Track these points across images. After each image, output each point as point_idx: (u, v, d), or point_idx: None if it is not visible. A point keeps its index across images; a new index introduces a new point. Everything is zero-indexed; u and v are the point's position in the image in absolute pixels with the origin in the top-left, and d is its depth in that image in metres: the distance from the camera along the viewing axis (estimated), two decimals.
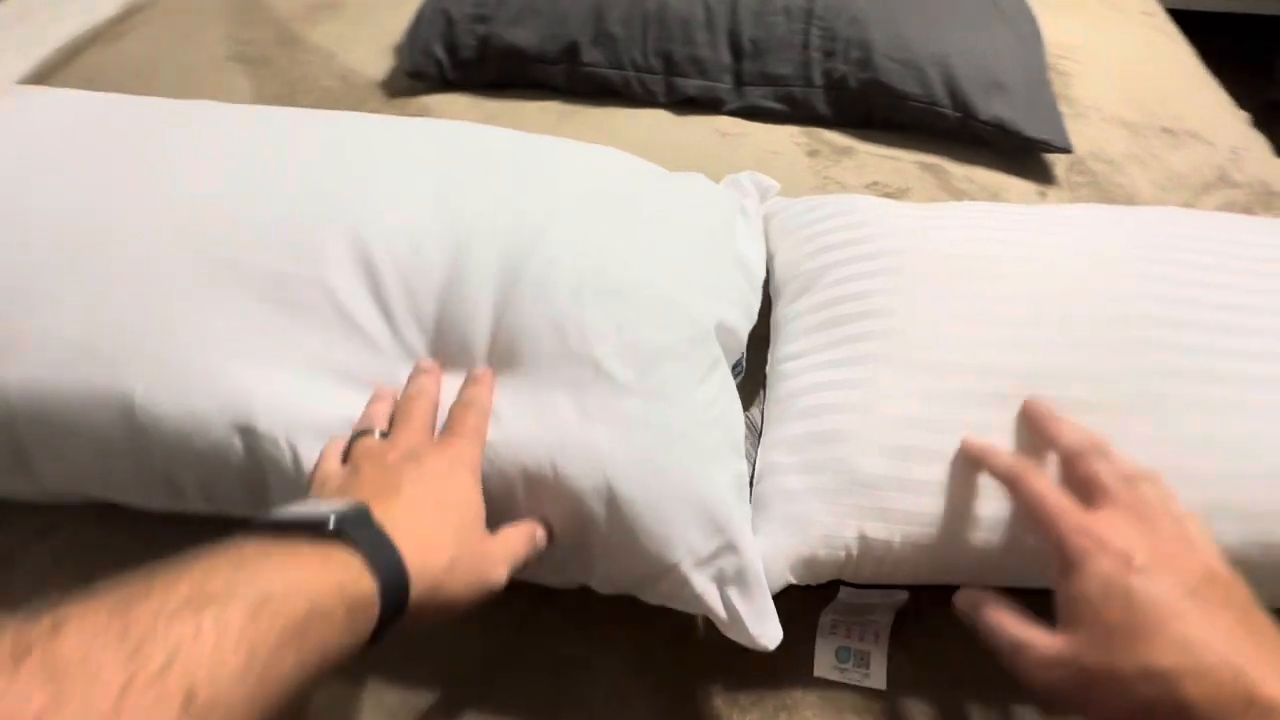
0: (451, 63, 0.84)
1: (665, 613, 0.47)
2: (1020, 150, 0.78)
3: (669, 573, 0.39)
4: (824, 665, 0.45)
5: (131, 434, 0.42)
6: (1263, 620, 0.30)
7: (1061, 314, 0.46)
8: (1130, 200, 0.77)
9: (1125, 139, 0.84)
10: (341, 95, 0.87)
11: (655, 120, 0.84)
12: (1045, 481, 0.36)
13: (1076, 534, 0.33)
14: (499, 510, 0.39)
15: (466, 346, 0.44)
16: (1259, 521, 0.40)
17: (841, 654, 0.45)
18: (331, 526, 0.29)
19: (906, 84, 0.77)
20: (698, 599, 0.39)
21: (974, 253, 0.51)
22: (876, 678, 0.44)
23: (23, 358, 0.43)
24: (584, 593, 0.46)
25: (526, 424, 0.40)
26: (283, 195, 0.48)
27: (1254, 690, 0.27)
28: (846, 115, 0.81)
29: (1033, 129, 0.75)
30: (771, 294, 0.56)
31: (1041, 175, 0.78)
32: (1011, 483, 0.38)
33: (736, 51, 0.82)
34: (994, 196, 0.75)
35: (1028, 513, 0.36)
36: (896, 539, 0.41)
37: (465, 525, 0.35)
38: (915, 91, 0.77)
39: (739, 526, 0.40)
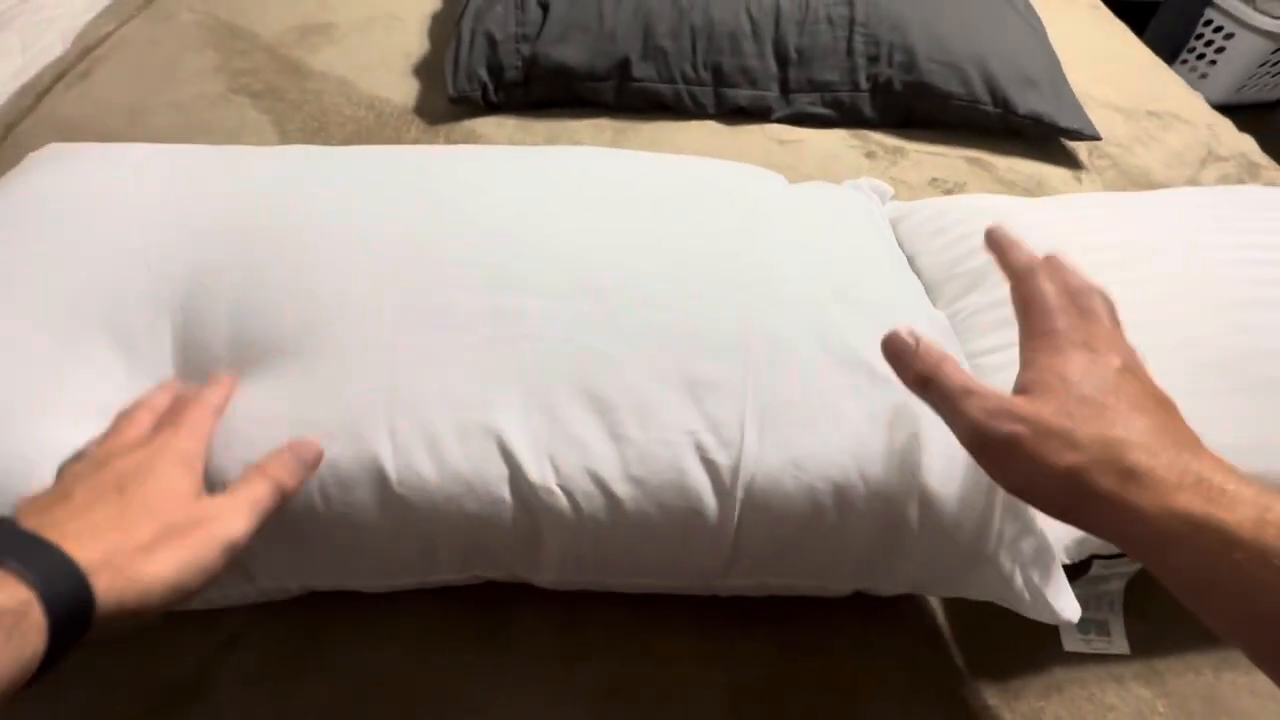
0: (495, 85, 0.81)
1: (912, 615, 0.48)
2: (1049, 140, 0.85)
3: (982, 563, 0.40)
4: (1071, 640, 0.48)
5: (385, 509, 0.38)
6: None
7: (1221, 284, 0.51)
8: (1147, 178, 0.85)
9: (1123, 123, 0.92)
10: (375, 126, 0.82)
11: (709, 132, 0.84)
12: (1052, 284, 0.36)
13: (1074, 329, 0.34)
14: (812, 529, 0.39)
15: (716, 351, 0.42)
16: None
17: (1083, 626, 0.48)
18: None
19: (950, 84, 0.82)
20: (1005, 583, 0.40)
21: (1110, 241, 0.55)
22: (1119, 644, 0.47)
23: (241, 443, 0.38)
24: (837, 608, 0.46)
25: (823, 436, 0.40)
26: (477, 233, 0.45)
27: (1201, 472, 0.28)
28: (890, 117, 0.85)
29: (1065, 120, 0.82)
30: None
31: (1071, 162, 0.85)
32: (1024, 276, 0.37)
33: (782, 60, 0.84)
34: (1040, 185, 0.81)
35: (1028, 303, 0.36)
36: None
37: (161, 500, 0.31)
38: (958, 91, 0.82)
39: (1028, 507, 0.41)
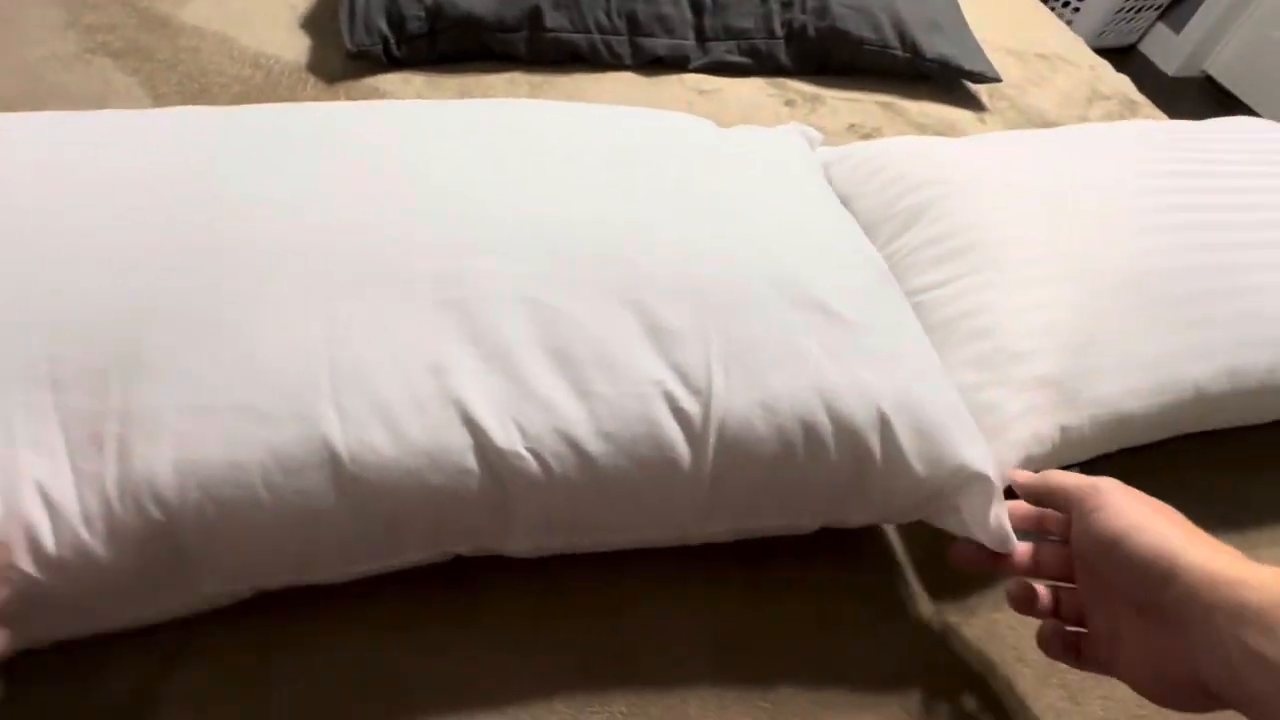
0: (398, 38, 0.76)
1: (873, 550, 0.50)
2: (953, 84, 0.88)
3: (940, 489, 0.41)
4: None
5: (340, 492, 0.35)
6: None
7: (1130, 213, 0.54)
8: (1043, 118, 0.89)
9: (1016, 65, 0.97)
10: (265, 86, 0.75)
11: (627, 84, 0.82)
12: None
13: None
14: (785, 468, 0.39)
15: (673, 298, 0.41)
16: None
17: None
18: None
19: (862, 29, 0.83)
20: (958, 509, 0.42)
21: (1031, 179, 0.57)
22: None
23: (170, 439, 0.34)
24: (802, 549, 0.47)
25: (789, 375, 0.40)
26: (414, 193, 0.42)
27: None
28: (805, 64, 0.86)
29: (969, 63, 0.85)
30: None
31: (974, 104, 0.89)
32: (1044, 478, 0.40)
33: (697, 8, 0.82)
34: (951, 127, 0.84)
35: (1057, 497, 0.39)
36: (1086, 423, 0.46)
37: None
38: (870, 36, 0.83)
39: (979, 435, 0.43)
